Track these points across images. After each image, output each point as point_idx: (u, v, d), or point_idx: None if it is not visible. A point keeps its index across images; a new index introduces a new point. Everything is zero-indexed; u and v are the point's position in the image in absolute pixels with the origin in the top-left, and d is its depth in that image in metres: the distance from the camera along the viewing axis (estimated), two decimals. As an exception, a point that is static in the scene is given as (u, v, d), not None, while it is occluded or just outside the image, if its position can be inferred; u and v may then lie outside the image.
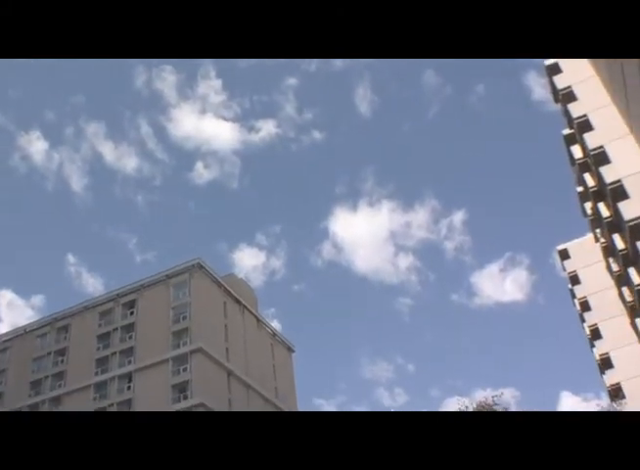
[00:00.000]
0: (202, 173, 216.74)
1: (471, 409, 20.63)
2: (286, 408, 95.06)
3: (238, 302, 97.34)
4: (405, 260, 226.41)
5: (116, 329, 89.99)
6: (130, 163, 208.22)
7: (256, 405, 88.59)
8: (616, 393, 54.97)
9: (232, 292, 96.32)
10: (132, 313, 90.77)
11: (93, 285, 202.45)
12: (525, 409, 20.33)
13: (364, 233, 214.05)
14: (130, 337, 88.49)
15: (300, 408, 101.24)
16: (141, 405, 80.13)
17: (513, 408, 20.37)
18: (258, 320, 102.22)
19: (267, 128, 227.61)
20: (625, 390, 60.98)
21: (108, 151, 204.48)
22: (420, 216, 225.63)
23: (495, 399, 20.48)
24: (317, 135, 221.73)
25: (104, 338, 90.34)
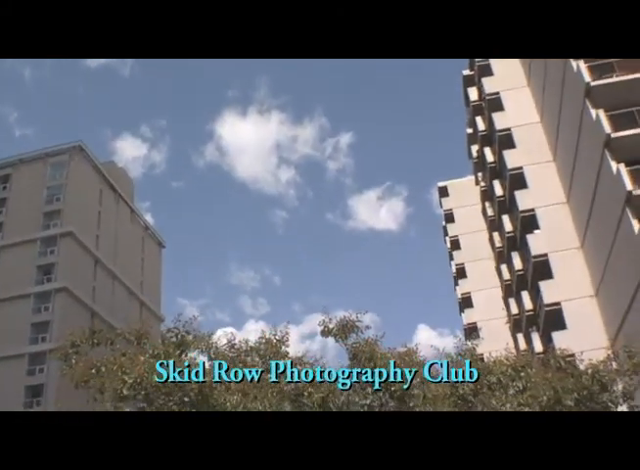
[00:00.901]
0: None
1: (332, 325, 21.11)
2: (150, 303, 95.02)
3: (114, 190, 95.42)
4: (286, 174, 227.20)
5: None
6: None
7: (120, 297, 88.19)
8: (471, 331, 57.10)
9: (110, 180, 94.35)
10: (5, 188, 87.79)
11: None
12: (382, 334, 20.97)
13: (250, 140, 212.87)
14: (0, 212, 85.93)
15: (164, 305, 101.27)
16: (4, 282, 78.52)
17: (372, 331, 20.98)
18: (132, 212, 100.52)
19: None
20: (480, 330, 63.58)
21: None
22: (307, 132, 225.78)
23: (359, 316, 20.98)
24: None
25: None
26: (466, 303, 73.16)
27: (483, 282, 69.95)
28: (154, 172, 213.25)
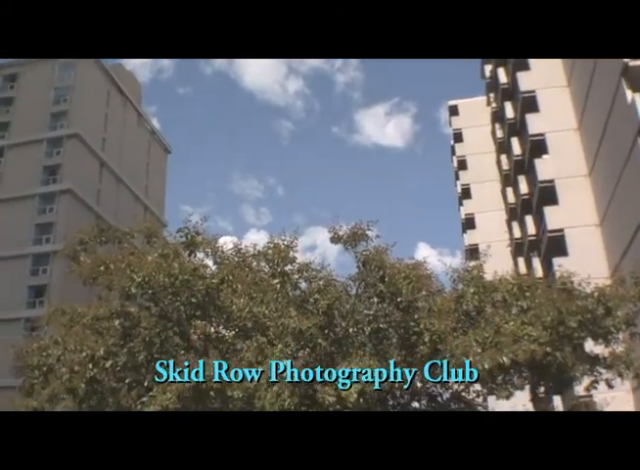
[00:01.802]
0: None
1: (342, 233, 21.02)
2: (154, 208, 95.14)
3: (122, 93, 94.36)
4: (295, 84, 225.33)
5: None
6: None
7: (125, 201, 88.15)
8: (472, 252, 57.12)
9: (118, 82, 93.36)
10: (12, 88, 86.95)
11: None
12: (393, 243, 20.64)
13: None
14: (7, 111, 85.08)
15: (167, 212, 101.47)
16: (9, 182, 78.61)
17: (375, 240, 20.55)
18: (139, 115, 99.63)
19: None
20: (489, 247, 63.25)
21: None
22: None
23: (370, 225, 20.83)
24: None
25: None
26: (469, 224, 73.10)
27: (488, 204, 69.80)
28: (161, 77, 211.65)
